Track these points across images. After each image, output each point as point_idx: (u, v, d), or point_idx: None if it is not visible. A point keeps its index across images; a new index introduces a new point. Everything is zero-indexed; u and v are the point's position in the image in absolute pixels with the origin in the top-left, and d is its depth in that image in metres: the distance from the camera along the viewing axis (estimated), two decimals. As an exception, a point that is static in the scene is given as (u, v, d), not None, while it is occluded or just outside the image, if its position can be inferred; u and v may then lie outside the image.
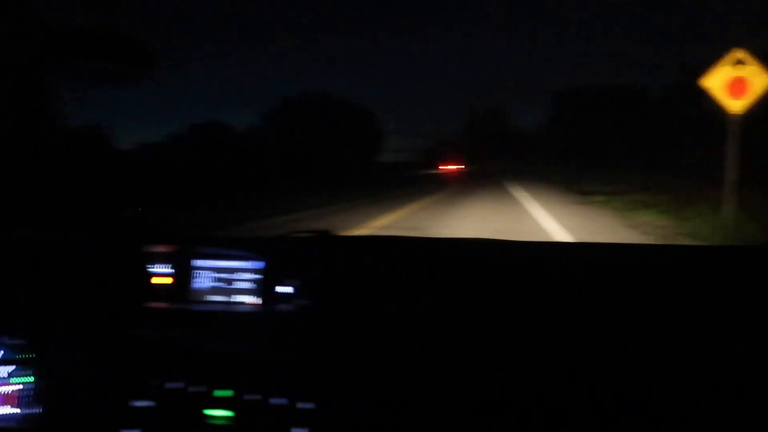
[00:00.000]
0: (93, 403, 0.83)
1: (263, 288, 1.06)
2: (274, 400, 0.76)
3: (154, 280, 1.08)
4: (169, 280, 1.09)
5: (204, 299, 1.09)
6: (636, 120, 20.46)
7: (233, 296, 1.08)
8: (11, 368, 0.87)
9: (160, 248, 1.11)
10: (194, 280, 1.09)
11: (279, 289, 1.03)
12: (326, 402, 0.75)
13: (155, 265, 1.09)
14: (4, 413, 0.86)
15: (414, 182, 17.66)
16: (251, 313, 1.06)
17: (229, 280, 1.09)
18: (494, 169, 23.43)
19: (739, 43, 5.05)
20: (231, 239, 1.15)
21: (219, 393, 0.78)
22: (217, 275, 1.10)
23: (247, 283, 1.08)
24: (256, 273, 1.08)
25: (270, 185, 12.00)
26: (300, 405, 0.75)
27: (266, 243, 1.13)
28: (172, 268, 1.10)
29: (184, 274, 1.09)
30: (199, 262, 1.10)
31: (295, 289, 1.01)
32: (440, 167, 24.59)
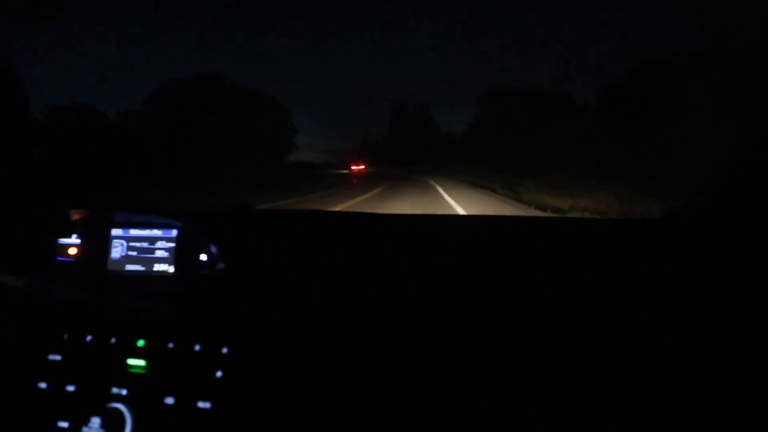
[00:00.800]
0: (9, 359, 0.85)
1: (177, 256, 1.09)
2: (195, 347, 0.80)
3: (70, 249, 1.11)
4: (84, 248, 1.11)
5: (119, 267, 1.11)
6: (554, 127, 20.76)
7: (148, 264, 1.11)
8: None
9: (76, 215, 1.13)
10: (110, 249, 1.12)
11: (194, 256, 1.08)
12: (240, 347, 0.80)
13: (71, 233, 1.11)
14: None
15: (320, 181, 17.29)
16: (165, 278, 1.09)
17: (145, 249, 1.12)
18: (408, 171, 24.71)
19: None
20: (146, 205, 1.14)
21: (137, 342, 0.82)
22: (132, 244, 1.12)
23: (162, 251, 1.11)
24: (170, 241, 1.11)
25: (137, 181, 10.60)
26: (223, 350, 0.79)
27: (183, 212, 1.14)
28: (87, 235, 1.12)
29: (100, 243, 1.11)
30: (115, 231, 1.13)
31: (209, 257, 1.06)
32: (352, 167, 26.75)
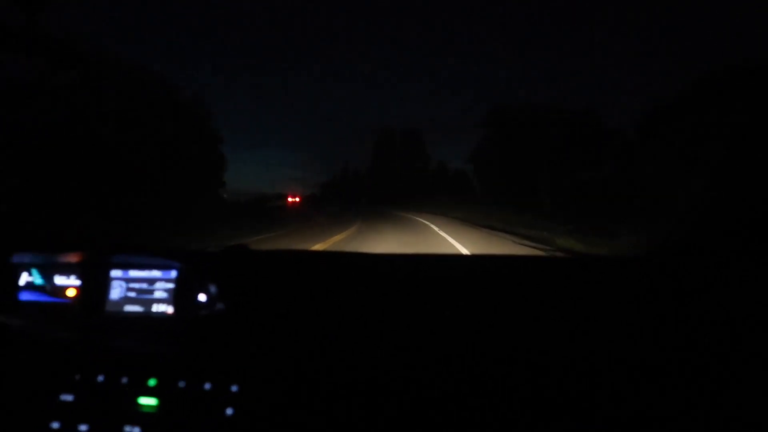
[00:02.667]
0: (22, 399, 0.85)
1: (176, 296, 1.11)
2: (205, 385, 0.82)
3: (68, 291, 1.12)
4: (83, 289, 1.12)
5: (119, 309, 1.11)
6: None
7: (147, 305, 1.11)
8: None
9: (75, 258, 1.13)
10: (109, 290, 1.12)
11: (192, 297, 1.09)
12: (249, 385, 0.83)
13: (70, 275, 1.12)
14: None
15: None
16: (165, 318, 1.10)
17: (143, 290, 1.12)
18: (394, 208, 27.35)
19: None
20: (145, 247, 1.16)
21: (148, 382, 0.84)
22: (131, 285, 1.13)
23: (160, 292, 1.12)
24: (169, 282, 1.12)
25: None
26: (233, 388, 0.82)
27: (181, 253, 1.15)
28: (87, 277, 1.12)
29: (99, 284, 1.12)
30: (114, 272, 1.13)
31: (209, 297, 1.07)
32: (288, 200, 29.91)
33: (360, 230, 11.66)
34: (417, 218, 16.87)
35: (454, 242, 8.90)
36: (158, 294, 1.11)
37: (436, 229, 11.95)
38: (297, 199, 30.41)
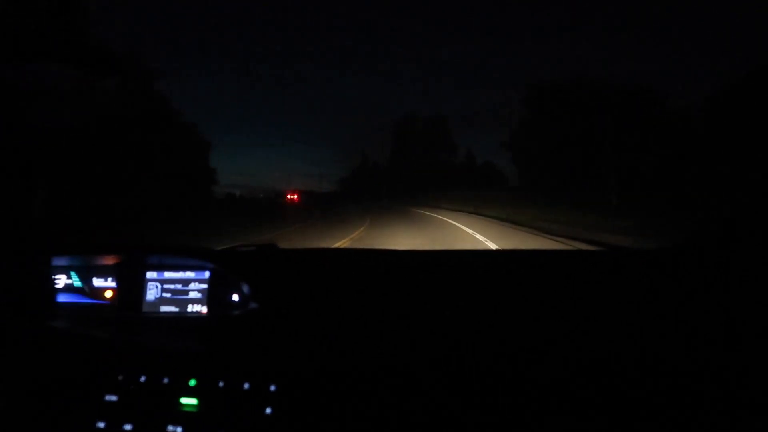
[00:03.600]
0: (68, 400, 0.87)
1: (210, 297, 1.14)
2: (244, 385, 0.84)
3: (106, 292, 1.15)
4: (120, 291, 1.15)
5: (155, 309, 1.15)
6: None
7: (182, 305, 1.14)
8: None
9: (112, 260, 1.17)
10: (145, 291, 1.15)
11: (226, 297, 1.12)
12: (287, 384, 0.84)
13: (108, 277, 1.16)
14: None
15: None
16: (200, 318, 1.13)
17: (178, 291, 1.15)
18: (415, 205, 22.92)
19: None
20: (179, 249, 1.18)
21: (189, 382, 0.86)
22: (166, 286, 1.16)
23: (195, 292, 1.15)
24: (202, 283, 1.15)
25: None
26: (271, 387, 0.83)
27: (213, 254, 1.18)
28: (123, 279, 1.16)
29: (135, 285, 1.15)
30: (149, 274, 1.16)
31: (241, 297, 1.10)
32: (287, 197, 30.98)
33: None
34: (447, 220, 13.41)
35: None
36: (192, 294, 1.14)
37: (482, 239, 8.37)
38: (295, 197, 30.68)
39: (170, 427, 0.81)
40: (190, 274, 1.15)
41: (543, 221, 11.03)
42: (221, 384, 0.84)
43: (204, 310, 1.13)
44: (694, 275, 1.04)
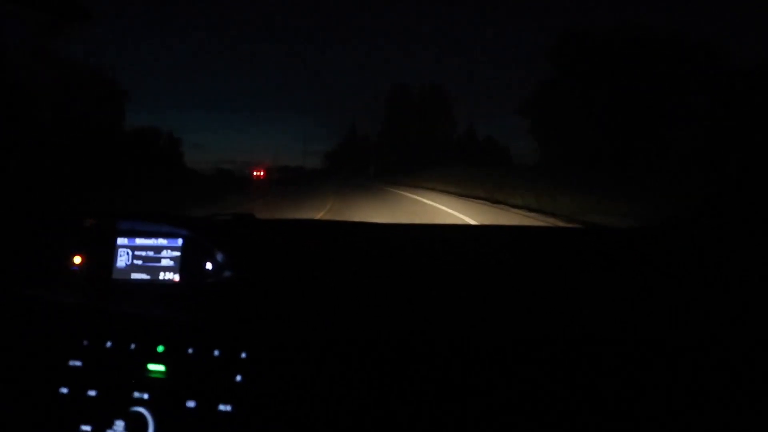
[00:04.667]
0: (30, 365, 0.85)
1: (183, 264, 1.09)
2: (214, 352, 0.82)
3: (75, 258, 1.10)
4: (90, 257, 1.11)
5: (125, 277, 1.11)
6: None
7: (154, 273, 1.11)
8: None
9: (84, 224, 1.13)
10: (116, 258, 1.11)
11: (199, 265, 1.08)
12: (258, 352, 0.82)
13: (79, 242, 1.11)
14: None
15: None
16: (171, 286, 1.09)
17: (150, 258, 1.11)
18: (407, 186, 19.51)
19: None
20: (153, 214, 1.14)
21: (157, 348, 0.84)
22: (137, 253, 1.12)
23: (167, 260, 1.11)
24: (175, 250, 1.11)
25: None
26: (242, 354, 0.81)
27: (187, 221, 1.14)
28: (93, 245, 1.11)
29: (105, 252, 1.11)
30: (120, 240, 1.12)
31: (215, 265, 1.06)
32: (253, 174, 29.78)
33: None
34: (444, 209, 9.42)
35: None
36: (165, 262, 1.10)
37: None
38: (261, 173, 29.27)
39: (136, 394, 0.80)
40: (162, 241, 1.11)
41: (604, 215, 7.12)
42: (190, 351, 0.83)
43: (176, 278, 1.09)
44: (673, 254, 1.04)
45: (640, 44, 13.71)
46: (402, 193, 14.58)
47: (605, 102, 13.40)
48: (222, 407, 0.77)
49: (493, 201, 10.62)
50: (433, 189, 15.98)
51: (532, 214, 8.43)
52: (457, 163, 26.35)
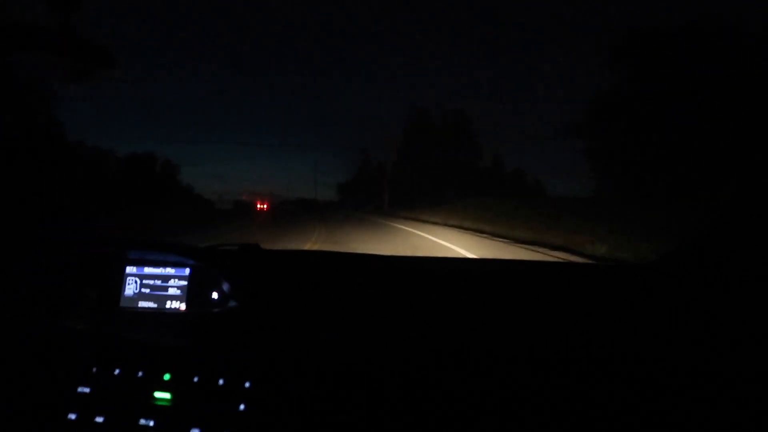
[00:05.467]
0: (40, 390, 0.87)
1: (189, 294, 1.12)
2: (219, 381, 0.84)
3: (87, 288, 1.12)
4: (101, 285, 1.13)
5: (133, 305, 1.14)
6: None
7: (161, 301, 1.13)
8: None
9: (94, 252, 1.16)
10: (124, 286, 1.14)
11: (205, 294, 1.10)
12: (262, 382, 0.85)
13: (89, 271, 1.14)
14: None
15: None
16: (178, 315, 1.12)
17: (157, 287, 1.14)
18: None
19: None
20: (161, 243, 1.17)
21: (163, 376, 0.86)
22: (145, 281, 1.15)
23: (174, 289, 1.14)
24: (182, 279, 1.14)
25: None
26: (246, 384, 0.83)
27: (194, 251, 1.16)
28: (104, 273, 1.14)
29: (114, 280, 1.14)
30: (129, 269, 1.15)
31: (221, 295, 1.09)
32: (257, 206, 29.25)
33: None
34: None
35: None
36: (172, 291, 1.13)
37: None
38: (265, 206, 29.20)
39: (143, 421, 0.82)
40: (170, 270, 1.14)
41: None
42: (196, 379, 0.85)
43: (183, 306, 1.12)
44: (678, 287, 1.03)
45: (724, 46, 10.68)
46: (420, 233, 11.12)
47: (688, 115, 10.20)
48: None
49: (554, 247, 7.35)
50: (460, 227, 12.59)
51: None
52: (484, 194, 23.03)
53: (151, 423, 0.81)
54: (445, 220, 15.12)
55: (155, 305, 1.11)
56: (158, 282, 1.13)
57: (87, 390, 0.86)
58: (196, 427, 0.80)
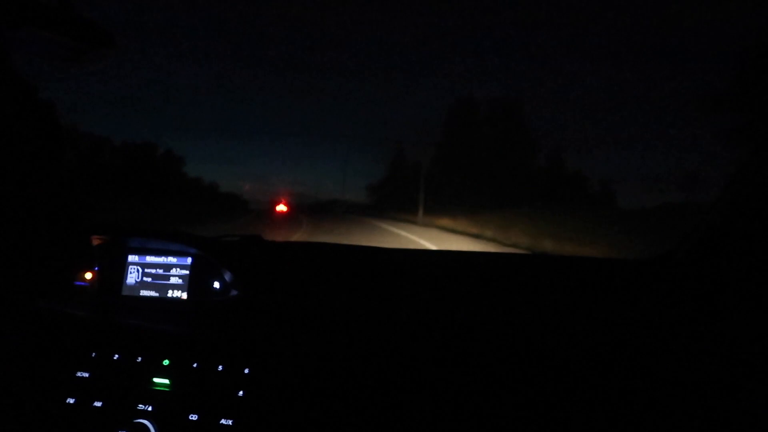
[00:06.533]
0: (39, 375, 0.88)
1: (191, 283, 1.13)
2: (218, 367, 0.85)
3: (86, 274, 1.13)
4: (101, 273, 1.14)
5: (134, 293, 1.14)
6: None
7: (162, 290, 1.14)
8: None
9: (96, 240, 1.16)
10: (126, 274, 1.15)
11: (207, 284, 1.11)
12: (261, 368, 0.85)
13: (90, 257, 1.14)
14: None
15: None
16: (179, 303, 1.12)
17: (159, 275, 1.15)
18: None
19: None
20: (163, 232, 1.17)
21: (162, 362, 0.87)
22: (147, 270, 1.15)
23: (176, 278, 1.14)
24: (184, 269, 1.14)
25: None
26: (245, 370, 0.84)
27: (197, 240, 1.17)
28: (104, 261, 1.15)
29: (116, 268, 1.15)
30: (131, 257, 1.16)
31: (222, 284, 1.10)
32: (275, 208, 24.87)
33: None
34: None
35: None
36: (174, 280, 1.14)
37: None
38: (285, 209, 24.81)
39: (141, 406, 0.83)
40: (172, 259, 1.15)
41: None
42: (195, 365, 0.86)
43: (184, 295, 1.13)
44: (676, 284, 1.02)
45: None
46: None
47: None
48: (224, 421, 0.80)
49: None
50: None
51: None
52: (541, 199, 18.95)
53: (150, 408, 0.83)
54: (505, 235, 11.00)
55: (157, 294, 1.13)
56: (160, 271, 1.15)
57: (86, 375, 0.87)
58: (194, 412, 0.81)
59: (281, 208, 25.41)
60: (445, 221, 14.62)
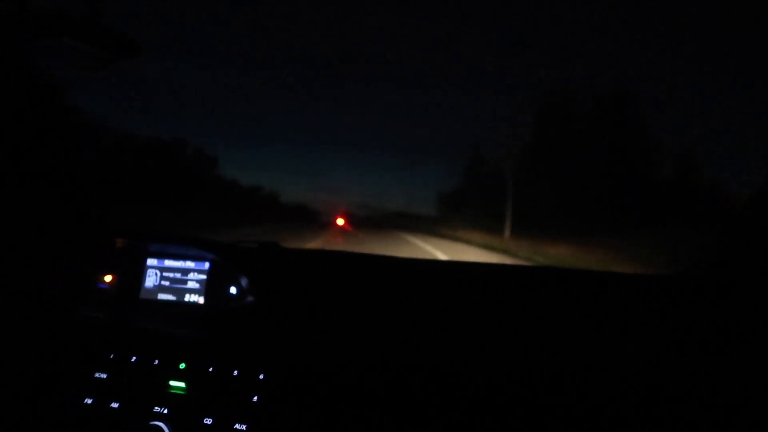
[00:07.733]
0: (58, 374, 0.90)
1: (208, 287, 1.14)
2: (233, 372, 0.85)
3: (106, 277, 1.14)
4: (120, 276, 1.15)
5: (153, 297, 1.15)
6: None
7: (180, 294, 1.15)
8: None
9: (116, 244, 1.17)
10: (145, 278, 1.16)
11: (224, 289, 1.12)
12: (276, 374, 0.85)
13: (110, 261, 1.16)
14: None
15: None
16: (196, 307, 1.13)
17: (177, 279, 1.16)
18: None
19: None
20: (183, 237, 1.19)
21: (179, 365, 0.87)
22: (165, 274, 1.16)
23: (193, 282, 1.15)
24: (201, 273, 1.15)
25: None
26: (260, 376, 0.84)
27: (215, 246, 1.18)
28: (124, 264, 1.16)
29: (135, 271, 1.16)
30: (150, 261, 1.17)
31: (239, 290, 1.10)
32: (336, 222, 25.10)
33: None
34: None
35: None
36: (191, 284, 1.14)
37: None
38: (343, 222, 24.22)
39: (157, 408, 0.83)
40: (190, 264, 1.16)
41: None
42: (211, 369, 0.86)
43: (201, 300, 1.13)
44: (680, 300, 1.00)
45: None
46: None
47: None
48: (238, 426, 0.80)
49: None
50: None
51: None
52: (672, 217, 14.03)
53: (165, 411, 0.83)
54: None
55: (174, 298, 1.14)
56: (178, 275, 1.15)
57: (104, 376, 0.88)
58: (209, 416, 0.82)
59: (340, 222, 23.73)
60: (549, 248, 10.24)
